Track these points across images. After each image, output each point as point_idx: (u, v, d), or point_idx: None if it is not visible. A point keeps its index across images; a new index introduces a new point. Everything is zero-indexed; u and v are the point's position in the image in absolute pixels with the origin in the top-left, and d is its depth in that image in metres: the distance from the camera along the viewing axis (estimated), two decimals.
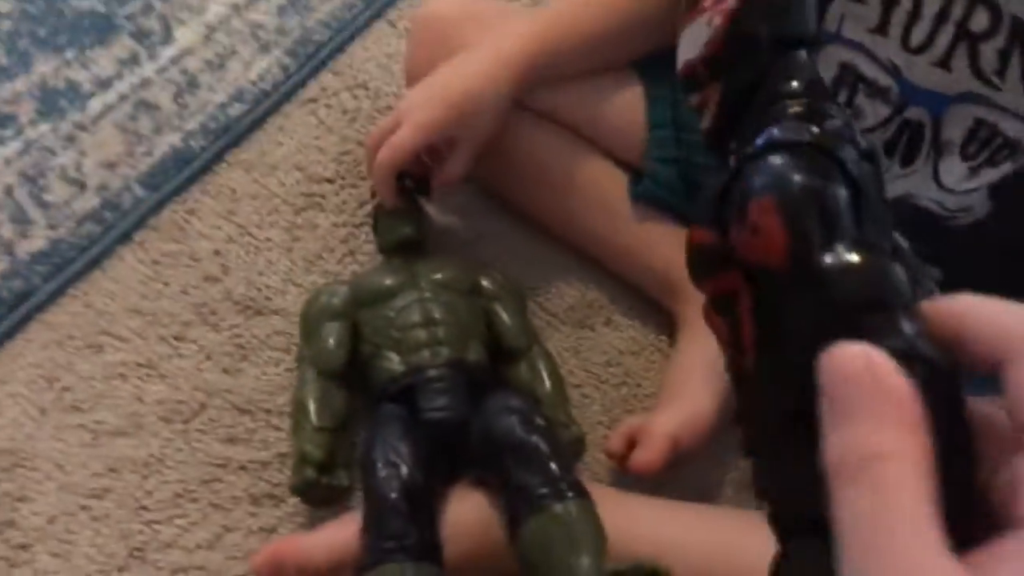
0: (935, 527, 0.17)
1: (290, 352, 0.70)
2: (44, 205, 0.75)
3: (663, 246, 0.71)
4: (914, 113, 0.55)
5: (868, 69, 0.56)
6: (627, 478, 0.63)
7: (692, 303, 0.67)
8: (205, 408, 0.68)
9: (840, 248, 0.22)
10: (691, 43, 0.28)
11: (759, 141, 0.25)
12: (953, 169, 0.55)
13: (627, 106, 0.71)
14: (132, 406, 0.67)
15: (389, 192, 0.68)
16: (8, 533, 0.62)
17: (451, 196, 0.78)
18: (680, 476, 0.64)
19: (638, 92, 0.71)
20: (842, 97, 0.57)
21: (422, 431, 0.60)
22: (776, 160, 0.24)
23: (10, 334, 0.69)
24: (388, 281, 0.66)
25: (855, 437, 0.18)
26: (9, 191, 0.76)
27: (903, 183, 0.58)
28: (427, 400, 0.61)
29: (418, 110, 0.66)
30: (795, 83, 0.26)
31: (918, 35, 0.53)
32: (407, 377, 0.62)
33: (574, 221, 0.74)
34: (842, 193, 0.23)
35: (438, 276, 0.67)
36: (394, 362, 0.63)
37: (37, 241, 0.73)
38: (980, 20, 0.51)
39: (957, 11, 0.51)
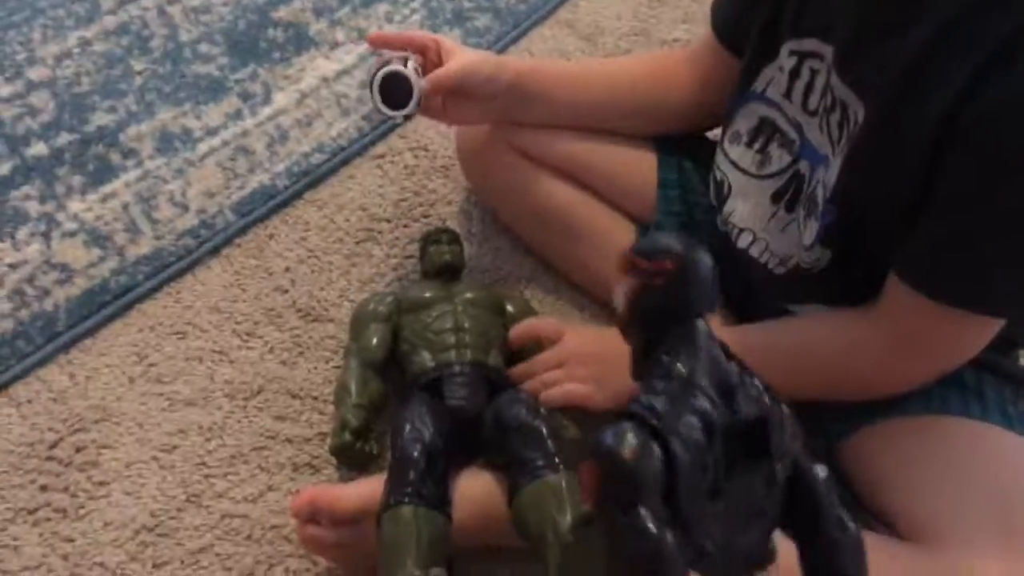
0: None
1: (338, 353, 0.83)
2: (153, 220, 0.91)
3: None
4: (802, 166, 0.67)
5: (782, 123, 0.68)
6: None
7: None
8: (263, 390, 0.80)
9: (635, 512, 0.29)
10: (618, 297, 0.38)
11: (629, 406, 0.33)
12: (813, 228, 0.64)
13: (639, 167, 0.84)
14: (204, 383, 0.80)
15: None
16: (91, 471, 0.73)
17: (487, 241, 0.92)
18: None
19: (650, 155, 0.84)
20: (759, 143, 0.70)
21: (445, 414, 0.71)
22: (608, 435, 0.31)
23: (113, 318, 0.83)
24: (428, 294, 0.79)
25: None
26: (126, 207, 0.92)
27: (781, 238, 0.69)
28: (451, 391, 0.72)
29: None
30: (678, 364, 0.34)
31: (812, 102, 0.65)
32: (436, 371, 0.74)
33: (587, 266, 0.86)
34: (654, 471, 0.30)
35: (469, 295, 0.80)
36: (426, 359, 0.75)
37: (143, 247, 0.89)
38: (840, 96, 0.62)
39: (826, 103, 0.63)
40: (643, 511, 0.30)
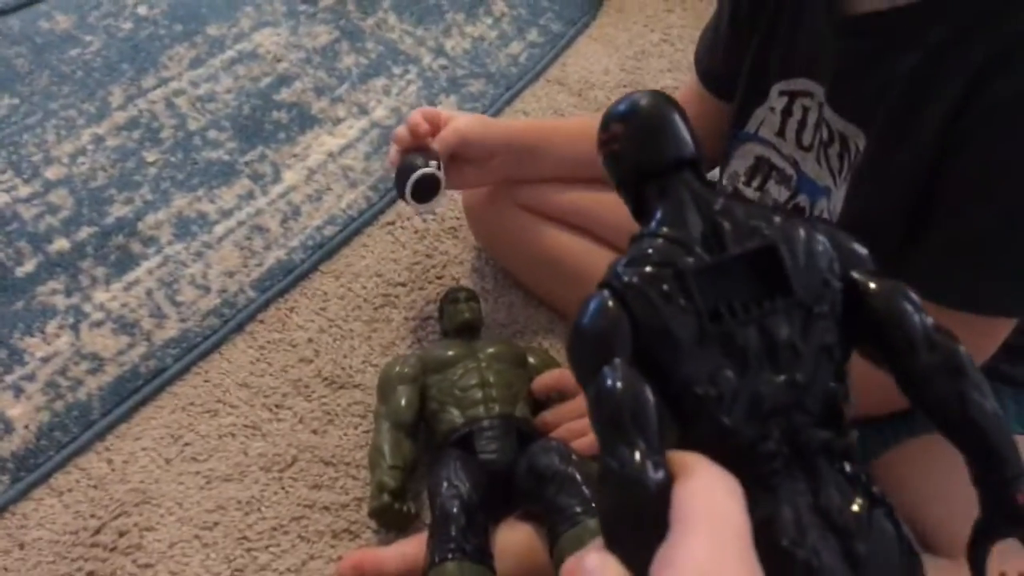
0: None
1: (367, 418, 0.84)
2: (176, 304, 0.94)
3: None
4: (801, 199, 0.70)
5: (778, 161, 0.71)
6: None
7: None
8: (297, 460, 0.81)
9: (607, 369, 0.29)
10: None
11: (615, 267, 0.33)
12: None
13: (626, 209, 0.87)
14: (239, 458, 0.81)
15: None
16: (136, 555, 0.75)
17: (501, 296, 0.95)
18: None
19: None
20: (757, 182, 0.73)
21: (479, 468, 0.72)
22: (590, 301, 0.31)
23: (145, 402, 0.85)
24: (451, 352, 0.81)
25: None
26: (150, 293, 0.94)
27: None
28: (482, 445, 0.74)
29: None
30: (652, 223, 0.33)
31: (806, 138, 0.68)
32: (467, 427, 0.75)
33: None
34: (614, 329, 0.30)
35: (492, 350, 0.82)
36: (455, 415, 0.77)
37: (170, 331, 0.91)
38: (837, 128, 0.65)
39: (821, 136, 0.66)
40: (606, 370, 0.29)
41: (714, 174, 0.89)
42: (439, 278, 0.97)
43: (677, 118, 0.36)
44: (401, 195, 0.81)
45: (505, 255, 0.97)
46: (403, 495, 0.73)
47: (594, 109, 1.19)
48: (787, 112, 0.69)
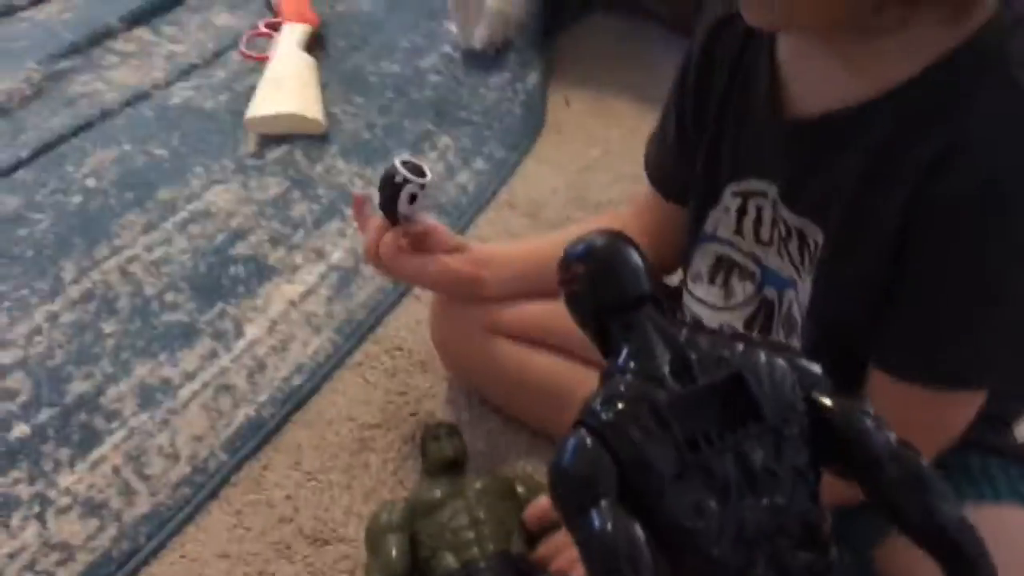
0: None
1: (355, 574, 0.81)
2: (145, 478, 0.90)
3: None
4: (768, 292, 0.71)
5: (739, 258, 0.73)
6: None
7: None
8: None
9: (595, 512, 0.30)
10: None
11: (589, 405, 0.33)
12: (796, 345, 0.67)
13: None
14: None
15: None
16: None
17: (479, 425, 0.93)
18: None
19: None
20: (720, 279, 0.74)
21: None
22: (569, 442, 0.32)
23: None
24: (438, 493, 0.79)
25: None
26: (116, 470, 0.91)
27: None
28: None
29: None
30: (620, 359, 0.34)
31: (764, 233, 0.70)
32: (463, 572, 0.73)
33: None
34: (597, 472, 0.31)
35: (479, 485, 0.80)
36: (450, 560, 0.74)
37: (141, 508, 0.87)
38: (794, 225, 0.66)
39: (780, 232, 0.68)
40: (594, 512, 0.30)
41: (672, 279, 0.91)
42: (413, 414, 0.96)
43: (634, 255, 0.37)
44: (389, 208, 0.79)
45: (478, 381, 0.96)
46: None
47: (547, 227, 1.22)
48: (742, 211, 0.71)
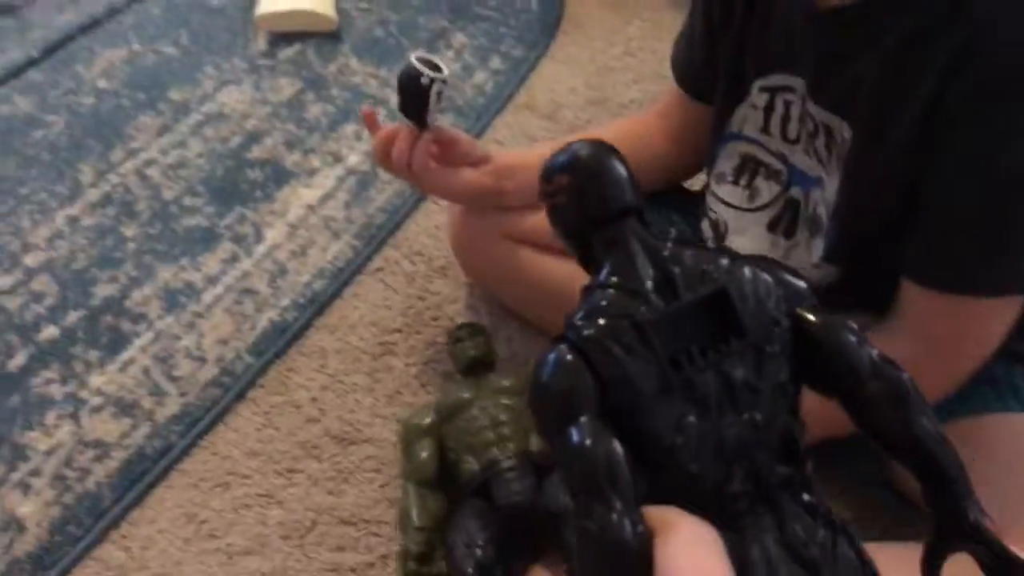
0: None
1: (381, 472, 0.84)
2: (174, 379, 0.93)
3: None
4: (794, 192, 0.70)
5: (765, 157, 0.71)
6: None
7: None
8: (316, 525, 0.80)
9: (574, 427, 0.29)
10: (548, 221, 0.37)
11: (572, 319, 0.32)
12: (819, 245, 0.67)
13: None
14: (257, 529, 0.80)
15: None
16: None
17: (499, 330, 0.94)
18: None
19: None
20: (744, 180, 0.73)
21: (497, 518, 0.72)
22: (550, 357, 0.31)
23: (155, 483, 0.84)
24: (461, 395, 0.81)
25: None
26: (146, 371, 0.93)
27: (788, 257, 0.71)
28: (501, 490, 0.74)
29: None
30: (603, 272, 0.33)
31: (792, 131, 0.68)
32: (484, 474, 0.75)
33: None
34: (585, 385, 0.30)
35: (499, 386, 0.81)
36: (472, 463, 0.76)
37: (171, 407, 0.90)
38: (821, 120, 0.65)
39: (807, 129, 0.67)
40: (573, 428, 0.29)
41: (691, 183, 0.90)
42: (435, 319, 0.97)
43: (619, 166, 0.36)
44: (419, 112, 0.75)
45: (497, 287, 0.97)
46: (431, 558, 0.72)
47: (566, 130, 1.20)
48: (770, 108, 0.69)
